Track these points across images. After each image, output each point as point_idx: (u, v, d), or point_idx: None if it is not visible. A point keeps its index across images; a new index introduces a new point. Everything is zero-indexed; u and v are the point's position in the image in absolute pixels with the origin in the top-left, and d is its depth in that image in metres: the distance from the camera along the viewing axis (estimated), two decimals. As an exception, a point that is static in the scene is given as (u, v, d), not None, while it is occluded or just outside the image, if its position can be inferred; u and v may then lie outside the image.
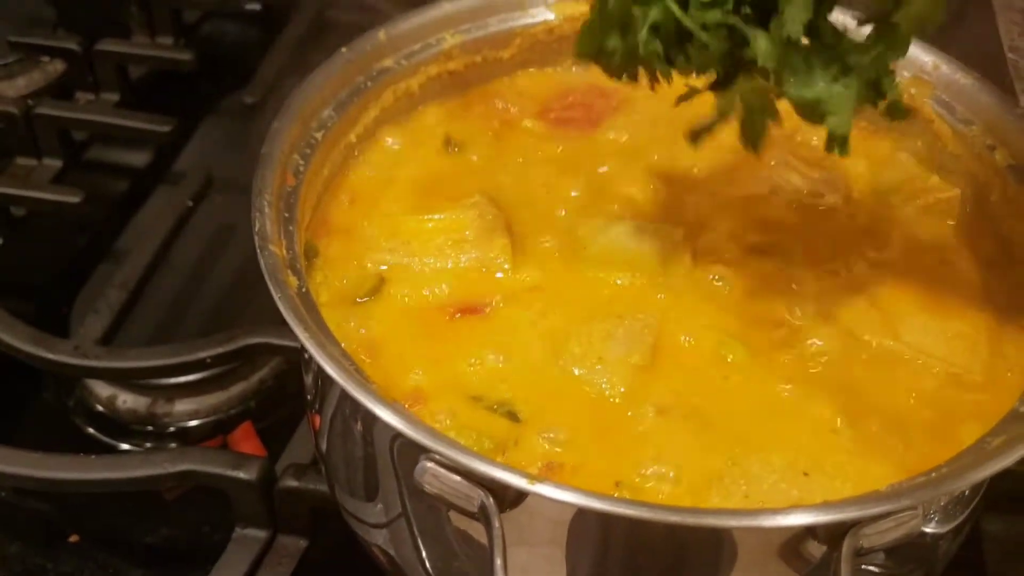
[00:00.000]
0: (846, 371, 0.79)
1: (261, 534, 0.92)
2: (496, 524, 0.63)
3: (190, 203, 1.16)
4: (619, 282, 0.85)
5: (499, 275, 0.85)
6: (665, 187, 0.92)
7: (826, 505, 0.65)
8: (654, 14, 0.69)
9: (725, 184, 0.93)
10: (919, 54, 0.94)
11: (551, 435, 0.75)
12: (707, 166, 0.94)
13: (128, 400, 1.07)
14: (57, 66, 1.40)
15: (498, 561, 0.63)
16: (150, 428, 1.06)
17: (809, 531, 0.64)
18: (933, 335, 0.82)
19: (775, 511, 0.65)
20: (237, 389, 1.08)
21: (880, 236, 0.89)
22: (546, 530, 0.67)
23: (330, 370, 0.68)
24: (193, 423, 1.06)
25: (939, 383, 0.79)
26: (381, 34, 0.94)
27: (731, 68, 0.73)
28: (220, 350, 0.99)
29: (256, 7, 1.56)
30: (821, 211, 0.92)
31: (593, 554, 0.69)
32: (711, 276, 0.85)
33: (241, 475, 0.90)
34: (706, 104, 0.76)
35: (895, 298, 0.84)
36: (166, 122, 1.27)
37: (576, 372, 0.78)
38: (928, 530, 0.73)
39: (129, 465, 0.92)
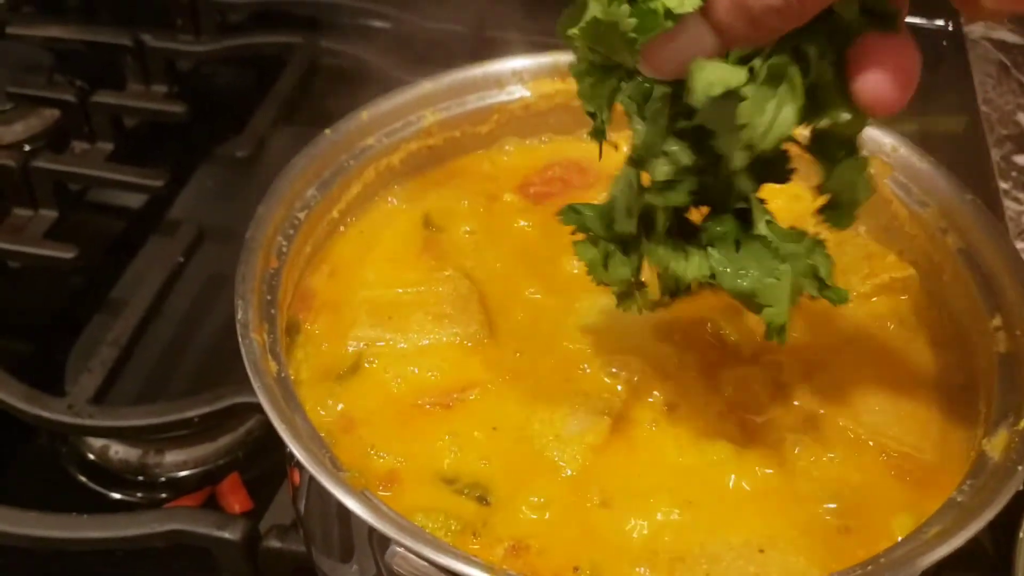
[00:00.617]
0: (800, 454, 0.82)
1: (245, 591, 0.96)
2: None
3: (181, 259, 1.19)
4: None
5: (476, 350, 0.88)
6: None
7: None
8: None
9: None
10: (879, 136, 0.96)
11: (520, 516, 0.77)
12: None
13: (120, 451, 1.10)
14: (54, 112, 1.44)
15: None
16: (141, 478, 1.10)
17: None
18: (886, 415, 0.84)
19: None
20: (225, 440, 1.11)
21: (836, 316, 0.91)
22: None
23: (303, 459, 0.71)
24: (183, 473, 1.10)
25: (888, 464, 0.81)
26: (364, 114, 0.97)
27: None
28: (207, 409, 1.02)
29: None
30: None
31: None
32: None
33: (227, 535, 0.93)
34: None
35: (848, 378, 0.86)
36: (159, 176, 1.30)
37: (542, 450, 0.81)
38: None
39: (117, 525, 0.95)
